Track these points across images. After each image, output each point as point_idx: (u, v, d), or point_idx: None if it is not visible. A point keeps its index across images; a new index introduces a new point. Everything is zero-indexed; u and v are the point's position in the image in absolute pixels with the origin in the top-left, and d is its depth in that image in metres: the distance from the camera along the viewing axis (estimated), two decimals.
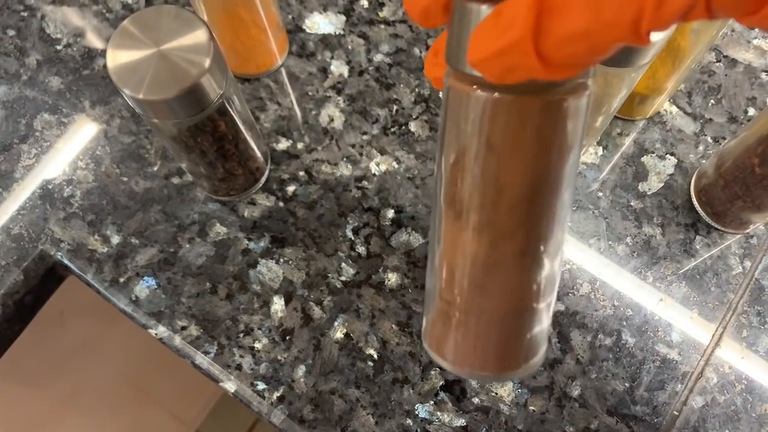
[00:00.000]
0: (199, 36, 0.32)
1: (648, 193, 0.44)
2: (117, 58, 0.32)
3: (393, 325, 0.41)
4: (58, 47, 0.48)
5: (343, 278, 0.43)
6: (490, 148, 0.21)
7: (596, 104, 0.38)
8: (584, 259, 0.43)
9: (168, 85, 0.32)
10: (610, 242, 0.43)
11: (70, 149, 0.46)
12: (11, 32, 0.49)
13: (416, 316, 0.42)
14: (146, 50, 0.32)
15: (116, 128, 0.46)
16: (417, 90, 0.47)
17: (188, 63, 0.32)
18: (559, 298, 0.42)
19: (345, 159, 0.45)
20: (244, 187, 0.43)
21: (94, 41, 0.49)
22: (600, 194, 0.44)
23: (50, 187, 0.45)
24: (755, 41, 0.48)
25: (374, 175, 0.45)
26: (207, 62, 0.32)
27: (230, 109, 0.36)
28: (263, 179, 0.44)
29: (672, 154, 0.45)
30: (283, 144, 0.46)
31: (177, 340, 0.41)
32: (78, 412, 0.83)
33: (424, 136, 0.46)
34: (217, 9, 0.41)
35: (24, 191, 0.45)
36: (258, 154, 0.42)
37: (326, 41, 0.48)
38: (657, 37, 0.31)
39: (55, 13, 0.49)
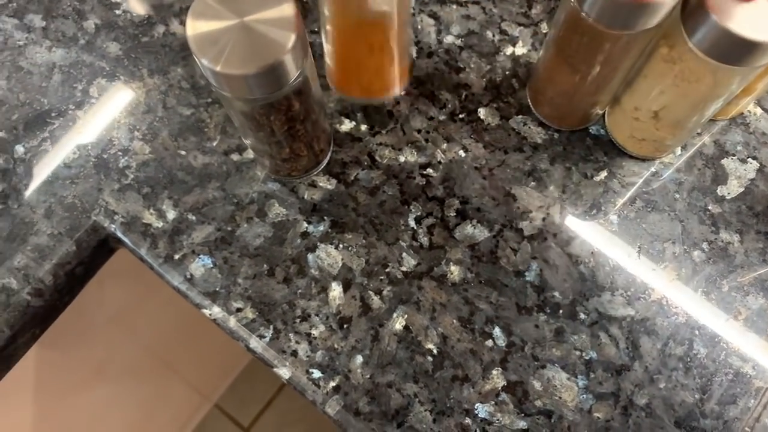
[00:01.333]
0: (285, 10, 0.30)
1: (727, 197, 0.42)
2: (197, 26, 0.30)
3: (454, 321, 0.40)
4: (118, 12, 0.47)
5: (403, 268, 0.41)
6: None
7: (699, 104, 0.36)
8: (657, 264, 0.41)
9: (249, 60, 0.30)
10: (685, 247, 0.41)
11: (127, 118, 0.44)
12: None
13: (479, 313, 0.40)
14: (229, 20, 0.30)
15: (175, 99, 0.45)
16: (488, 76, 0.45)
17: (272, 38, 0.30)
18: (629, 303, 0.40)
19: (410, 144, 0.44)
20: (306, 168, 0.42)
21: (155, 7, 0.47)
22: (677, 196, 0.42)
23: (105, 156, 0.43)
24: None
25: (440, 163, 0.43)
26: (292, 39, 0.30)
27: (307, 89, 0.34)
28: (325, 161, 0.43)
29: (754, 158, 0.43)
30: (347, 125, 0.44)
31: (232, 322, 0.40)
32: (105, 382, 0.83)
33: (494, 124, 0.44)
34: (348, 32, 0.39)
35: (78, 159, 0.43)
36: (324, 135, 0.40)
37: None
38: None
39: None
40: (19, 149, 0.43)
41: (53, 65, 0.45)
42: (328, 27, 0.38)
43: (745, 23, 0.30)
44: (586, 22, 0.33)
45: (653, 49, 0.36)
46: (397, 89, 0.44)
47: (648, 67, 0.36)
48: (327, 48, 0.41)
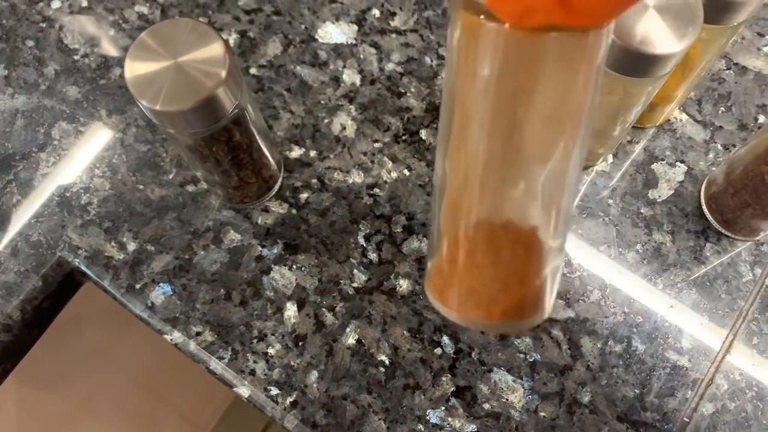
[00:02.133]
0: (215, 49, 0.33)
1: (658, 200, 0.44)
2: (134, 69, 0.33)
3: (404, 332, 0.42)
4: (76, 57, 0.49)
5: (355, 284, 0.43)
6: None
7: (614, 114, 0.39)
8: (594, 266, 0.43)
9: (184, 97, 0.32)
10: (620, 249, 0.43)
11: (87, 157, 0.47)
12: (30, 43, 0.50)
13: (427, 323, 0.42)
14: (163, 62, 0.33)
15: (132, 137, 0.47)
16: (428, 98, 0.48)
17: (204, 75, 0.32)
18: (569, 305, 0.42)
19: (357, 167, 0.46)
20: (258, 195, 0.44)
21: (111, 51, 0.50)
22: (610, 201, 0.45)
23: (68, 194, 0.46)
24: (765, 48, 0.48)
25: (386, 182, 0.45)
26: (223, 74, 0.32)
27: (245, 120, 0.37)
28: (276, 187, 0.45)
29: (682, 161, 0.45)
30: (296, 152, 0.46)
31: (192, 346, 0.42)
32: (92, 416, 0.84)
33: (435, 143, 0.46)
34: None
35: (42, 199, 0.46)
36: (272, 162, 0.43)
37: (338, 51, 0.49)
38: (677, 48, 0.32)
39: (72, 23, 0.50)
40: None
41: (16, 111, 0.48)
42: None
43: (641, 39, 0.33)
44: None
45: None
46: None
47: None
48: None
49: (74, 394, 0.77)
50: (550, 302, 0.23)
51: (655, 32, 0.33)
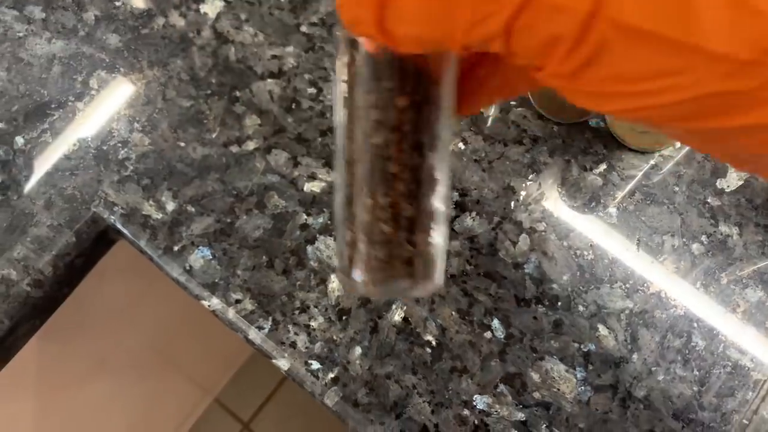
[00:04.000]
0: None
1: (726, 190, 0.42)
2: None
3: (453, 312, 0.40)
4: (117, 3, 0.47)
5: None
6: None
7: None
8: (656, 256, 0.41)
9: None
10: (684, 240, 0.41)
11: (127, 110, 0.44)
12: None
13: (477, 305, 0.40)
14: None
15: (174, 91, 0.45)
16: None
17: None
18: (628, 295, 0.40)
19: None
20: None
21: (154, 0, 0.47)
22: (676, 189, 0.42)
23: (105, 148, 0.44)
24: None
25: None
26: None
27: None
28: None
29: None
30: None
31: (231, 314, 0.40)
32: (106, 375, 0.83)
33: (494, 116, 0.44)
34: None
35: (78, 151, 0.43)
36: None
37: None
38: None
39: None
40: (19, 140, 0.43)
41: (53, 57, 0.45)
42: None
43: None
44: None
45: None
46: None
47: None
48: None
49: (90, 352, 0.76)
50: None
51: None
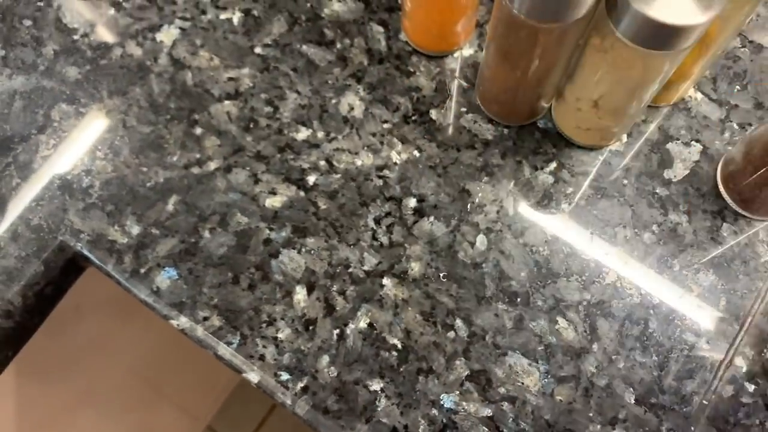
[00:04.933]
0: None
1: (674, 180, 0.44)
2: None
3: (417, 315, 0.41)
4: (75, 37, 0.48)
5: (365, 268, 0.42)
6: None
7: (632, 91, 0.38)
8: (610, 248, 0.42)
9: None
10: (635, 230, 0.43)
11: (89, 139, 0.45)
12: (28, 22, 0.48)
13: (440, 306, 0.41)
14: None
15: (134, 118, 0.46)
16: (438, 78, 0.47)
17: None
18: (585, 288, 0.41)
19: (366, 148, 0.45)
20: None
21: (111, 31, 0.48)
22: (625, 181, 0.44)
23: (69, 177, 0.44)
24: None
25: (395, 164, 0.44)
26: None
27: None
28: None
29: (697, 140, 0.45)
30: (303, 133, 0.45)
31: (199, 331, 0.41)
32: (91, 408, 0.83)
33: (446, 123, 0.45)
34: None
35: (42, 182, 0.44)
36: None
37: (345, 29, 0.48)
38: (701, 19, 0.31)
39: (71, 2, 0.49)
40: None
41: (14, 92, 0.46)
42: None
43: (664, 9, 0.32)
44: (518, 19, 0.35)
45: (587, 40, 0.37)
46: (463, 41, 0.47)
47: (583, 58, 0.38)
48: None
49: (73, 386, 0.76)
50: None
51: (679, 3, 0.32)
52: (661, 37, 0.33)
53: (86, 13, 0.49)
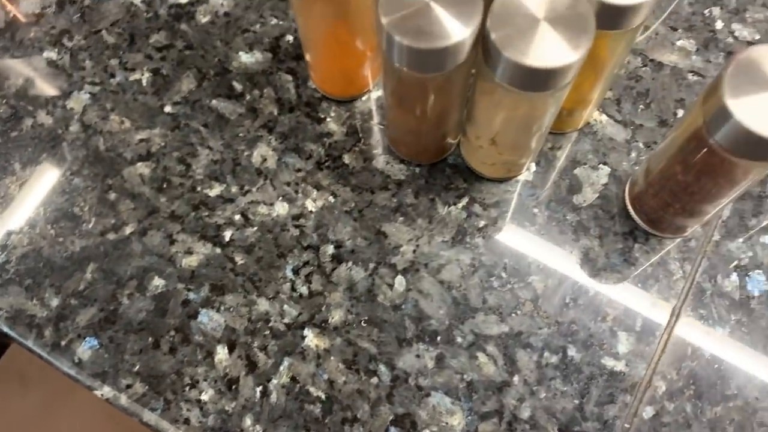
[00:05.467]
0: None
1: (583, 205, 0.44)
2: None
3: (339, 364, 0.41)
4: None
5: (286, 320, 0.42)
6: None
7: (526, 126, 0.38)
8: (525, 278, 0.43)
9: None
10: (548, 258, 0.43)
11: (3, 214, 0.45)
12: None
13: (362, 353, 0.41)
14: None
15: (49, 189, 0.46)
16: (348, 122, 0.47)
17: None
18: (502, 320, 0.42)
19: (280, 198, 0.45)
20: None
21: (22, 100, 0.48)
22: (536, 210, 0.44)
23: None
24: (679, 42, 0.48)
25: (311, 211, 0.45)
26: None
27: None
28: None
29: (605, 163, 0.45)
30: (217, 189, 0.45)
31: (123, 399, 0.41)
32: None
33: (359, 167, 0.46)
34: (319, 30, 0.41)
35: None
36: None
37: (254, 81, 0.48)
38: (574, 58, 0.31)
39: None
40: None
41: None
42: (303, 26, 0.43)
43: (535, 53, 0.32)
44: (401, 72, 0.35)
45: (475, 82, 0.38)
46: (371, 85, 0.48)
47: (475, 100, 0.39)
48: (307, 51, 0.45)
49: None
50: None
51: (549, 45, 0.32)
52: (536, 79, 0.33)
53: None
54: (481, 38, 0.34)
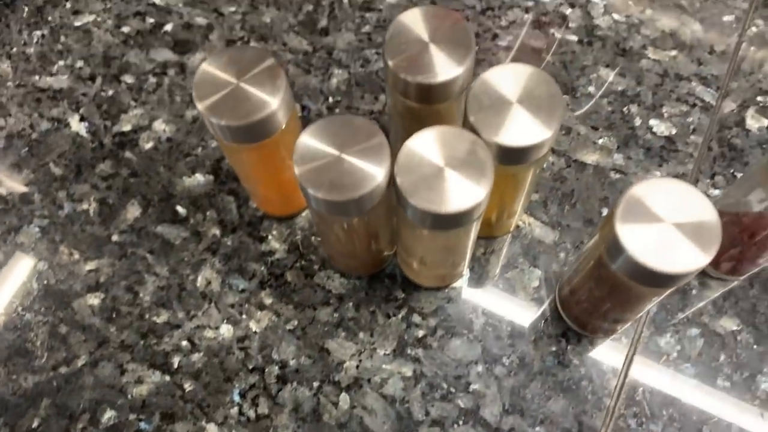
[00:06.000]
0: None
1: (516, 309, 0.46)
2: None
3: None
4: None
5: None
6: None
7: (449, 251, 0.40)
8: (465, 387, 0.44)
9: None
10: (487, 365, 0.45)
11: None
12: None
13: None
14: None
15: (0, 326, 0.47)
16: (289, 239, 0.49)
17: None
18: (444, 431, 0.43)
19: (225, 320, 0.47)
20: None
21: None
22: (472, 317, 0.46)
23: None
24: (600, 141, 0.50)
25: (255, 332, 0.46)
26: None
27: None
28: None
29: (535, 266, 0.47)
30: (164, 316, 0.47)
31: None
32: None
33: (301, 284, 0.47)
34: (250, 168, 0.43)
35: None
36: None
37: (197, 203, 0.50)
38: (478, 199, 0.33)
39: None
40: None
41: None
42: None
43: (439, 198, 0.34)
44: (322, 214, 0.37)
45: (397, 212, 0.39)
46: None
47: (399, 227, 0.40)
48: None
49: None
50: None
51: (453, 189, 0.34)
52: (445, 221, 0.35)
53: None
54: (392, 182, 0.36)
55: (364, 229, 0.40)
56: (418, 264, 0.43)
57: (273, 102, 0.36)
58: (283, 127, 0.38)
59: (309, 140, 0.35)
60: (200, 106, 0.36)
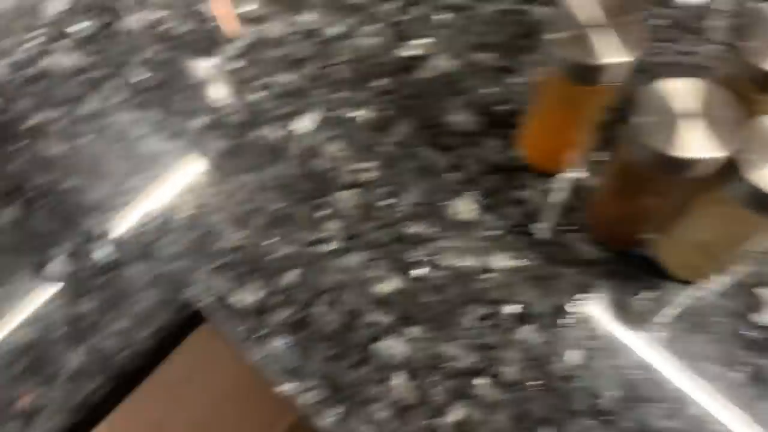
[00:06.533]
0: None
1: (760, 324, 0.46)
2: None
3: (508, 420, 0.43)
4: None
5: (459, 365, 0.45)
6: None
7: (737, 241, 0.41)
8: (693, 383, 0.44)
9: None
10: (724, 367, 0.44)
11: (230, 209, 0.51)
12: None
13: (529, 416, 0.44)
14: None
15: (265, 194, 0.51)
16: (546, 194, 0.50)
17: None
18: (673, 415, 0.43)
19: (468, 251, 0.49)
20: None
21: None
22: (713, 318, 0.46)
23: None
24: None
25: (495, 270, 0.48)
26: None
27: None
28: None
29: None
30: (414, 228, 0.49)
31: (304, 399, 0.44)
32: None
33: (549, 239, 0.49)
34: (552, 113, 0.46)
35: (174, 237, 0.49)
36: None
37: (465, 138, 0.52)
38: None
39: None
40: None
41: None
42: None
43: None
44: (642, 171, 0.38)
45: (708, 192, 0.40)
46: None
47: (700, 205, 0.41)
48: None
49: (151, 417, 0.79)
50: None
51: None
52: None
53: None
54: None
55: (668, 198, 0.40)
56: (692, 250, 0.43)
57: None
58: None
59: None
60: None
